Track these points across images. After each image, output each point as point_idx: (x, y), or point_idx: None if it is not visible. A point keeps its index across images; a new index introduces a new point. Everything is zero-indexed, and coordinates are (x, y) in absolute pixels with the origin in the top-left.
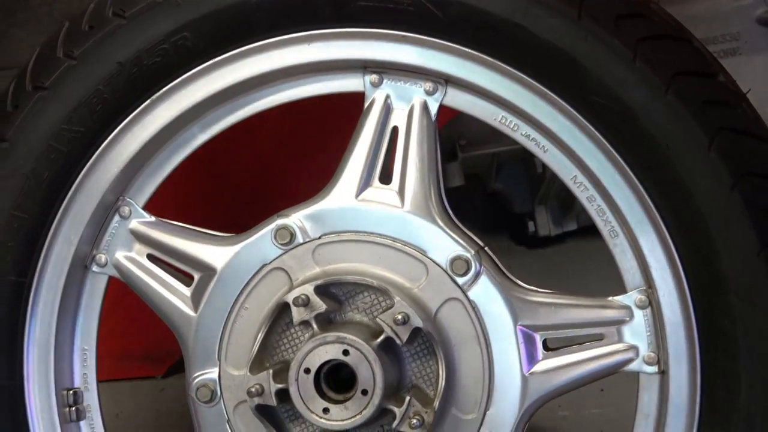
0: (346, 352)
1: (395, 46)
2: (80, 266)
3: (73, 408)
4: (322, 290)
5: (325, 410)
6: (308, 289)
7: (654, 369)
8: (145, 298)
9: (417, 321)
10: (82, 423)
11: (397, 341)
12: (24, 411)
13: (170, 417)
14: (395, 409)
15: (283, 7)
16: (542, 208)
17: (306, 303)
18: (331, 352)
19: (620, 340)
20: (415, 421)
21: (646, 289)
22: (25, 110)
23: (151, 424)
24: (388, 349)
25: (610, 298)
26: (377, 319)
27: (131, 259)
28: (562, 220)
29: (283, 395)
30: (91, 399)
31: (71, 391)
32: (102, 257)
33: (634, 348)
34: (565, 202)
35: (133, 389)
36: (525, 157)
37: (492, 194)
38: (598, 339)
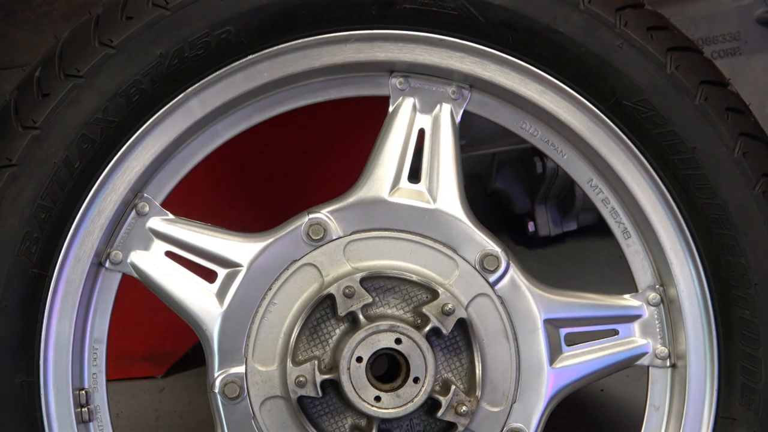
0: (398, 341)
1: (428, 50)
2: (95, 263)
3: (85, 409)
4: (362, 283)
5: (377, 398)
6: (355, 281)
7: (665, 363)
8: (163, 296)
9: (462, 312)
10: (92, 425)
11: (444, 331)
12: (41, 410)
13: (171, 417)
14: (441, 398)
15: (329, 4)
16: (542, 208)
17: (352, 294)
18: (384, 341)
19: (633, 335)
20: (464, 408)
21: (657, 286)
22: (58, 98)
23: (151, 424)
24: (429, 340)
25: (625, 296)
26: (422, 310)
27: (149, 256)
28: (562, 220)
29: (326, 387)
30: (101, 400)
31: (83, 391)
32: (117, 254)
33: (646, 343)
34: (565, 202)
35: (133, 389)
36: (525, 157)
37: (492, 194)
38: (614, 335)
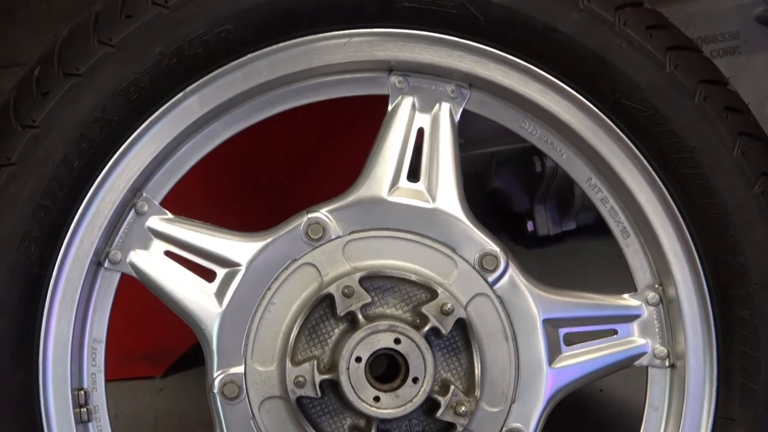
0: (397, 341)
1: (427, 48)
2: (95, 263)
3: (84, 409)
4: (361, 283)
5: (376, 399)
6: (354, 280)
7: (664, 363)
8: (162, 295)
9: (461, 312)
10: (90, 425)
11: (443, 331)
12: (39, 410)
13: (170, 417)
14: (440, 398)
15: (329, 3)
16: (541, 207)
17: (351, 294)
18: (383, 341)
19: (632, 335)
20: (463, 408)
21: (656, 286)
22: (57, 96)
23: (151, 424)
24: (428, 340)
25: (624, 296)
26: (422, 309)
27: (148, 256)
28: (561, 220)
29: (325, 387)
30: (99, 400)
31: (81, 391)
32: (116, 254)
33: (644, 343)
34: (564, 201)
35: (133, 389)
36: (524, 156)
37: (491, 193)
38: (613, 334)
